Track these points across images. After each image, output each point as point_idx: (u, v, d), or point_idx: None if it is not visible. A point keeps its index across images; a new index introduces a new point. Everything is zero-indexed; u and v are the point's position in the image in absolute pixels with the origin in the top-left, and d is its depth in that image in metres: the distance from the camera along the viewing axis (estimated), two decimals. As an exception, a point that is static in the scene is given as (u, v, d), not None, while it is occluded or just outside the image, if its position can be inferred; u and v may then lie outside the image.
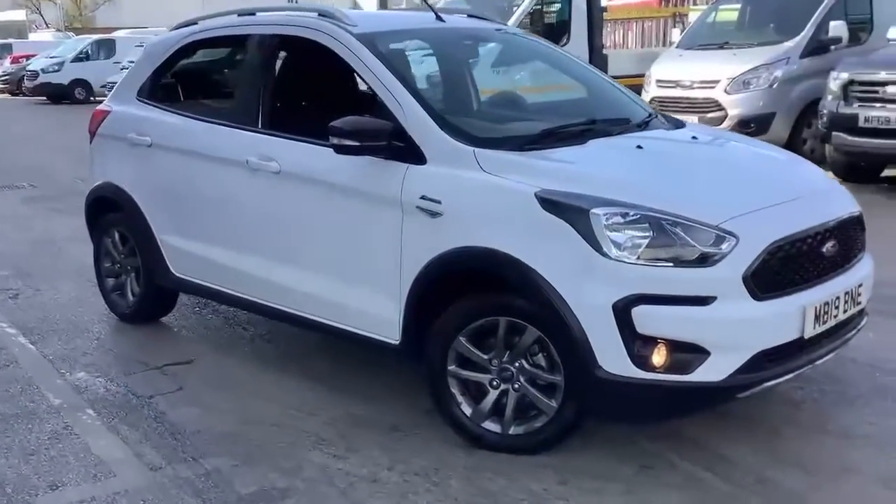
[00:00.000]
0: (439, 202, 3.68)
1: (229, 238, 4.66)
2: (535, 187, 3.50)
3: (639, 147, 3.94)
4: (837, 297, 3.62)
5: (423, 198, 3.73)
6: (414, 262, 3.77)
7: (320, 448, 3.81)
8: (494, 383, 3.69)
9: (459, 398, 3.77)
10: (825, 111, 9.22)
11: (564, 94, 4.88)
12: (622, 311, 3.31)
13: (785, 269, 3.44)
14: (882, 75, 8.86)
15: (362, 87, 4.72)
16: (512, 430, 3.69)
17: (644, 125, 4.37)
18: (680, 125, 4.56)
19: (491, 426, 3.72)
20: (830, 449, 3.72)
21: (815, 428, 3.88)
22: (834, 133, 9.08)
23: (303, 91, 5.18)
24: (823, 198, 3.80)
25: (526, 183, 3.54)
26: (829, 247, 3.61)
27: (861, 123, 8.77)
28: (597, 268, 3.34)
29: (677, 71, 11.14)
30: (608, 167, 3.74)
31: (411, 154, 3.82)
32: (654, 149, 4.03)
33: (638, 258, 3.32)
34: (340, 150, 3.85)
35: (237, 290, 4.68)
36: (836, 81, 9.14)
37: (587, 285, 3.36)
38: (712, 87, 10.65)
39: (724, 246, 3.32)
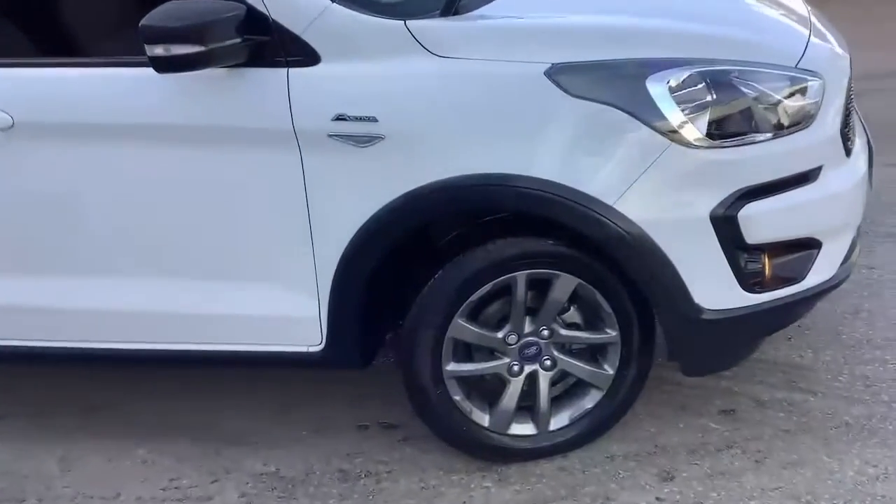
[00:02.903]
0: (373, 119, 2.23)
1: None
2: (541, 63, 2.21)
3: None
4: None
5: (339, 119, 2.24)
6: (337, 228, 2.32)
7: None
8: (515, 368, 2.46)
9: (467, 406, 2.49)
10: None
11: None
12: (725, 219, 2.24)
13: (846, 112, 2.57)
14: None
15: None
16: (553, 425, 2.52)
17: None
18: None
19: (521, 429, 2.52)
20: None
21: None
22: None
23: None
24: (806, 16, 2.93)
25: (521, 60, 2.23)
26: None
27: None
28: (677, 165, 2.20)
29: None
30: (595, 13, 2.50)
31: (288, 51, 2.27)
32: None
33: (724, 137, 2.23)
34: (166, 65, 2.17)
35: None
36: None
37: (667, 194, 2.22)
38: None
39: (811, 93, 2.34)
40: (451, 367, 2.43)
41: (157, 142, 2.33)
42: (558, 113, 2.19)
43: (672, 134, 2.18)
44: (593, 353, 2.49)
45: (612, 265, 2.32)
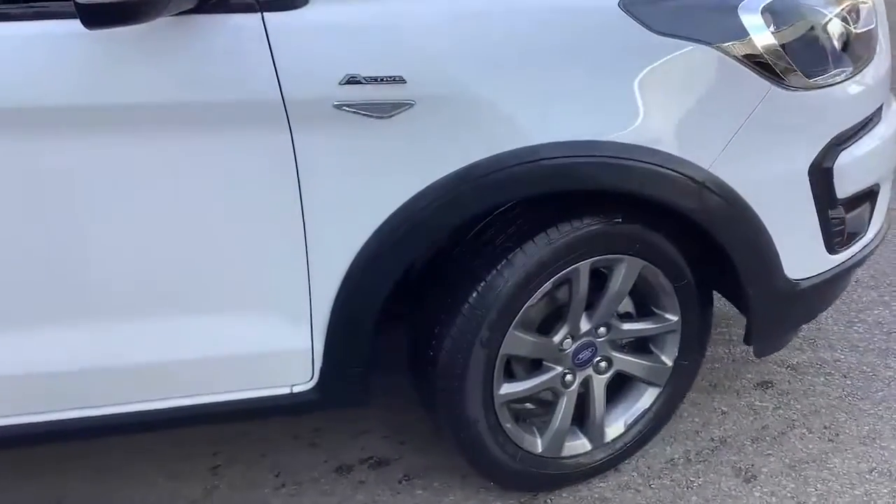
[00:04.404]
0: (399, 80, 1.61)
1: None
2: (612, -7, 1.70)
3: None
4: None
5: (351, 81, 1.60)
6: (342, 232, 1.69)
7: None
8: (568, 378, 1.99)
9: (519, 434, 1.99)
10: None
11: None
12: (822, 172, 1.90)
13: None
14: None
15: None
16: (609, 435, 2.09)
17: None
18: None
19: (575, 447, 2.07)
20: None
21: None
22: None
23: None
24: None
25: (583, -10, 1.70)
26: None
27: None
28: (778, 112, 1.80)
29: None
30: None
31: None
32: None
33: (814, 75, 1.86)
34: (100, 16, 1.41)
35: None
36: None
37: (765, 149, 1.82)
38: None
39: (867, 17, 2.01)
40: (505, 389, 1.91)
41: (78, 132, 1.56)
42: (642, 56, 1.70)
43: (770, 75, 1.77)
44: (643, 346, 2.08)
45: (678, 240, 1.92)
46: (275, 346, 1.80)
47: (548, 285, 1.83)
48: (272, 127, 1.59)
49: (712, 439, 2.19)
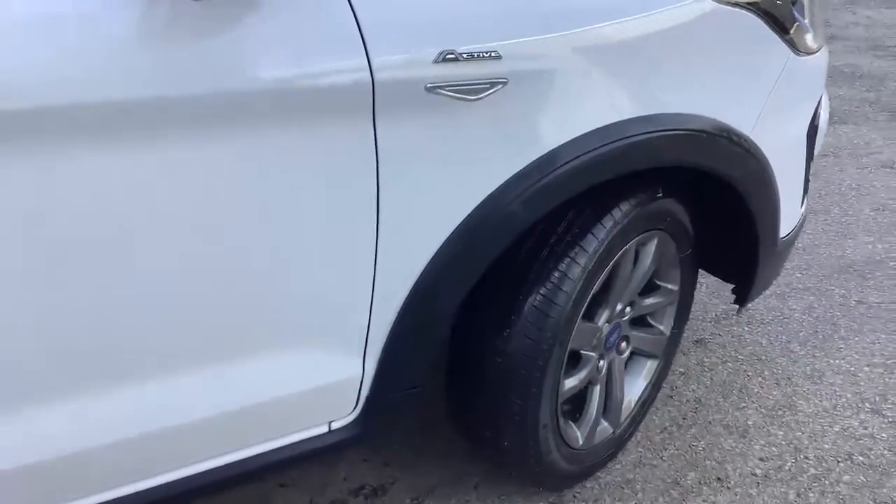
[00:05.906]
0: (494, 55, 1.38)
1: None
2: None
3: None
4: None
5: (447, 59, 1.34)
6: (415, 241, 1.44)
7: None
8: (601, 364, 1.89)
9: (568, 433, 1.85)
10: None
11: None
12: (812, 131, 2.00)
13: None
14: None
15: None
16: (624, 416, 2.03)
17: None
18: None
19: (601, 433, 1.97)
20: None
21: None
22: None
23: None
24: None
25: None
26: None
27: None
28: (794, 77, 1.85)
29: None
30: None
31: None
32: None
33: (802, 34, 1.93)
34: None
35: None
36: None
37: (783, 114, 1.86)
38: None
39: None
40: (566, 385, 1.76)
41: (118, 137, 1.15)
42: (706, 26, 1.64)
43: (790, 40, 1.81)
44: (644, 321, 2.05)
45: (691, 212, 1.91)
46: (318, 377, 1.50)
47: (608, 269, 1.71)
48: (354, 118, 1.30)
49: (688, 401, 2.23)
